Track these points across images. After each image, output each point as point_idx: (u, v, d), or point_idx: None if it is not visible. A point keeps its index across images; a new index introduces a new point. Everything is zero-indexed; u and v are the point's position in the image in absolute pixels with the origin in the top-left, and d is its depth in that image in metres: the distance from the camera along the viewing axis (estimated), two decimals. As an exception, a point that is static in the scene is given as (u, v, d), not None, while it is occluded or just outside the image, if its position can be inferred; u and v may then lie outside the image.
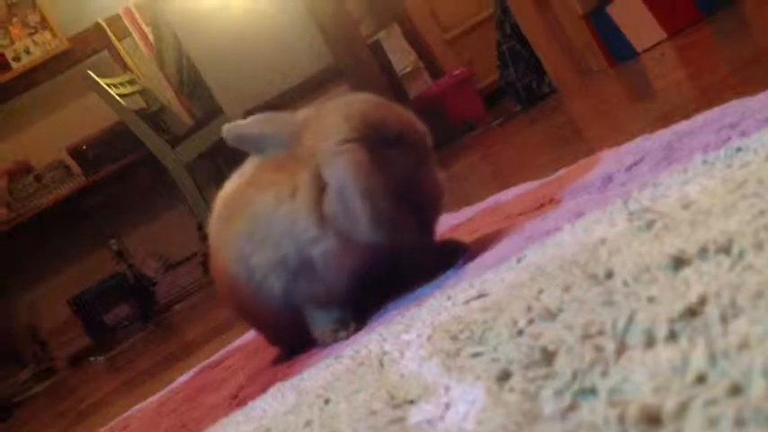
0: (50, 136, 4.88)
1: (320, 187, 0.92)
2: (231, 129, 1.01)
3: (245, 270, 0.98)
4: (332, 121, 0.95)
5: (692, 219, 0.58)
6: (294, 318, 1.00)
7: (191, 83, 3.73)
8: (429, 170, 1.00)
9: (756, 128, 0.76)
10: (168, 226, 4.98)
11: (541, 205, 1.05)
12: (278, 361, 1.08)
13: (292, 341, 1.06)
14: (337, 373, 0.76)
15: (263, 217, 0.95)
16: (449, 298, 0.78)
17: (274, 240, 0.95)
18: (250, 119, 1.01)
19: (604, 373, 0.42)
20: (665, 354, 0.40)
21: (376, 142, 0.93)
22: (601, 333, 0.47)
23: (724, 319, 0.40)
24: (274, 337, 1.11)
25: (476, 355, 0.57)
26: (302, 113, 1.01)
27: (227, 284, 1.01)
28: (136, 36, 4.85)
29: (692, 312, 0.43)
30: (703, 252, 0.50)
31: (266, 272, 0.96)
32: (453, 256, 1.00)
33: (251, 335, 1.38)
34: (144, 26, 4.79)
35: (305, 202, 0.93)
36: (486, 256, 0.91)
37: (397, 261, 0.98)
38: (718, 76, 1.35)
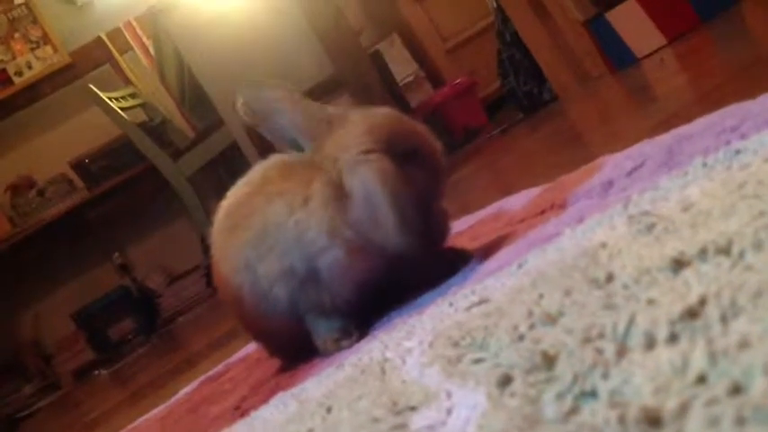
0: (53, 150, 4.89)
1: (336, 196, 0.92)
2: (251, 94, 0.97)
3: (251, 279, 0.97)
4: (353, 131, 0.95)
5: (692, 221, 0.58)
6: (298, 327, 0.99)
7: (192, 95, 3.74)
8: (441, 188, 1.00)
9: (756, 130, 0.76)
10: (171, 238, 4.98)
11: (543, 211, 1.05)
12: (280, 371, 1.08)
13: (295, 351, 1.05)
14: (339, 380, 0.76)
15: (273, 226, 0.95)
16: (450, 304, 0.78)
17: (283, 249, 0.94)
18: (278, 91, 0.97)
19: (605, 376, 0.42)
20: (666, 355, 0.40)
21: (395, 156, 0.94)
22: (601, 336, 0.47)
23: (724, 319, 0.40)
24: (276, 347, 1.10)
25: (477, 360, 0.57)
26: (331, 112, 0.98)
27: (231, 293, 1.00)
28: (137, 49, 4.86)
29: (692, 313, 0.43)
30: (703, 253, 0.50)
31: (273, 281, 0.96)
32: (457, 264, 0.99)
33: (253, 346, 1.38)
34: (145, 39, 4.80)
35: (317, 210, 0.93)
36: (488, 263, 0.91)
37: (402, 271, 0.98)
38: (717, 80, 1.35)
